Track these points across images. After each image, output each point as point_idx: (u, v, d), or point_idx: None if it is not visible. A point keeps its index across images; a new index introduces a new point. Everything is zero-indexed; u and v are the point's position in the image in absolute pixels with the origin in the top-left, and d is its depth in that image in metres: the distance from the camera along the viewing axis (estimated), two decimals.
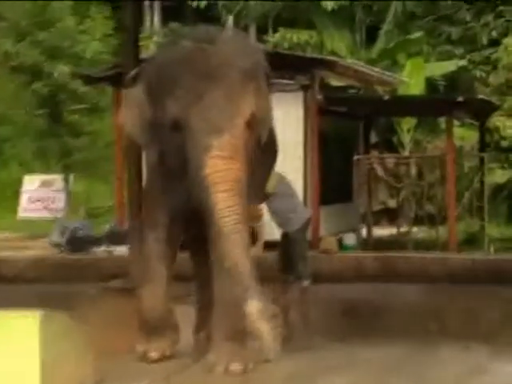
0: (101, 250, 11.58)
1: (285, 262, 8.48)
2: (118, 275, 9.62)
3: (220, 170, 4.87)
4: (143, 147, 5.90)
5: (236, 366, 5.41)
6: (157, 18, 26.97)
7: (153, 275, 5.84)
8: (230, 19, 25.23)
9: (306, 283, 8.27)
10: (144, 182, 6.71)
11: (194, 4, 24.00)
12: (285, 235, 8.44)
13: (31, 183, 15.80)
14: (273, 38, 21.14)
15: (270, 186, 8.14)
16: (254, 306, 4.73)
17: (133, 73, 5.73)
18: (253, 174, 5.40)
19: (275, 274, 8.56)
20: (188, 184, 5.17)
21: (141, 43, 11.56)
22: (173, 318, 6.01)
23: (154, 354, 5.81)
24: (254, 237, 8.39)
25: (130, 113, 5.56)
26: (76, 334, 4.90)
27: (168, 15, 26.83)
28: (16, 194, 16.78)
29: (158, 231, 5.74)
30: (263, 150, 5.64)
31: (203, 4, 23.67)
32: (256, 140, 5.34)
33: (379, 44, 19.76)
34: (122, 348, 6.24)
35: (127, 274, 9.04)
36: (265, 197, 8.18)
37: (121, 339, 6.55)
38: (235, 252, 4.82)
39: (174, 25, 25.87)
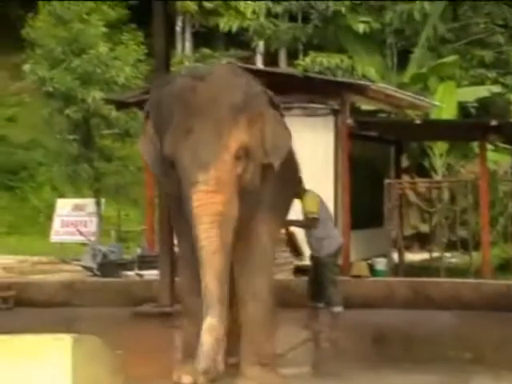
0: (132, 274, 11.64)
1: (315, 288, 8.46)
2: (149, 300, 9.68)
3: (203, 203, 5.07)
4: (159, 178, 6.02)
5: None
6: (188, 44, 27.20)
7: (190, 307, 5.89)
8: (261, 44, 25.45)
9: (337, 309, 8.25)
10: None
11: (225, 29, 24.14)
12: (316, 260, 8.43)
13: (64, 207, 15.96)
14: (303, 61, 21.17)
15: (313, 209, 8.17)
16: (207, 322, 4.89)
17: (146, 107, 5.87)
18: (277, 196, 5.83)
19: (305, 299, 8.58)
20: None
21: (172, 68, 11.69)
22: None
23: (186, 379, 5.83)
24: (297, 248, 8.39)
25: (146, 146, 5.77)
26: (107, 359, 4.92)
27: (199, 41, 27.06)
28: (49, 218, 16.98)
29: (187, 261, 5.84)
30: (284, 172, 5.83)
31: (234, 29, 23.77)
32: (261, 167, 5.50)
33: (411, 68, 19.74)
34: (151, 373, 6.28)
35: (157, 299, 9.09)
36: (311, 222, 8.20)
37: (150, 364, 6.58)
38: (207, 276, 5.03)
39: (205, 50, 26.11)
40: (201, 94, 5.26)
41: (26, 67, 16.38)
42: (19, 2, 25.48)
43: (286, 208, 6.72)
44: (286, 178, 6.18)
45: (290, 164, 6.38)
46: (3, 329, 5.51)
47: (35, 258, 15.51)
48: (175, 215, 6.07)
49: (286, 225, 8.34)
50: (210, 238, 5.05)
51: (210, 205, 5.08)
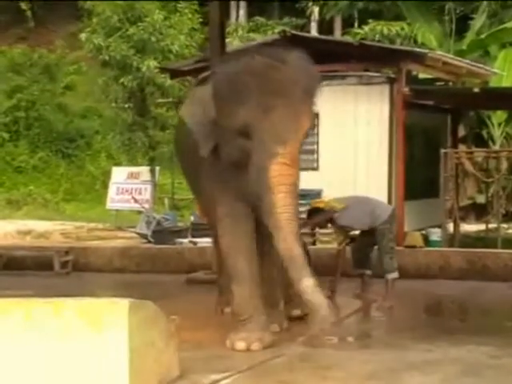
0: (185, 241, 11.76)
1: (361, 255, 8.42)
2: (202, 266, 9.78)
3: (282, 174, 5.60)
4: (198, 141, 6.24)
5: (275, 327, 6.34)
6: (242, 12, 27.08)
7: (240, 269, 6.22)
8: (316, 12, 25.22)
9: (392, 276, 8.20)
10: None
11: None
12: (368, 231, 8.35)
13: (119, 175, 16.12)
14: (362, 30, 20.93)
15: (336, 204, 8.11)
16: (309, 282, 5.46)
17: (204, 75, 6.22)
18: None
19: (351, 267, 8.53)
20: (242, 178, 5.85)
21: (226, 37, 11.68)
22: (261, 313, 6.19)
23: (239, 345, 5.95)
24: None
25: (193, 108, 6.25)
26: (162, 323, 4.99)
27: (253, 9, 26.92)
28: (104, 186, 17.19)
29: (235, 221, 6.25)
30: None
31: None
32: None
33: (470, 34, 19.33)
34: (204, 339, 6.36)
35: (210, 266, 9.18)
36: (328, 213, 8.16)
37: (204, 330, 6.67)
38: (289, 240, 5.58)
39: (259, 19, 25.97)
40: (283, 75, 5.75)
41: (83, 36, 16.48)
42: None
43: None
44: None
45: None
46: (61, 292, 5.64)
47: (91, 225, 15.74)
48: (212, 178, 6.38)
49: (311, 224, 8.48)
50: (286, 205, 5.58)
51: (286, 176, 5.62)
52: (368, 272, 8.34)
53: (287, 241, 5.57)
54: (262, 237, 6.26)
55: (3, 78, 22.84)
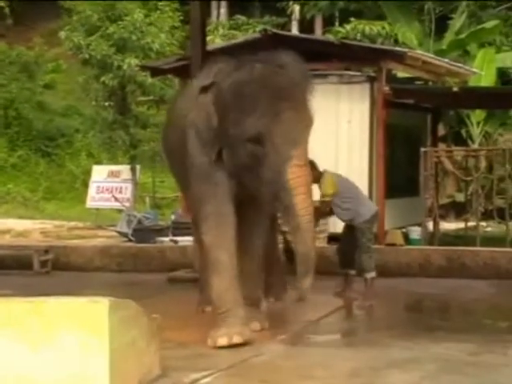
0: (166, 240, 11.72)
1: (346, 255, 8.43)
2: (183, 265, 9.75)
3: (299, 176, 5.80)
4: (199, 146, 6.42)
5: (256, 326, 6.36)
6: (223, 11, 27.05)
7: (221, 262, 6.29)
8: (297, 10, 25.23)
9: (370, 275, 8.22)
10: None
11: None
12: (350, 227, 8.38)
13: (99, 173, 16.07)
14: (343, 28, 20.97)
15: (328, 191, 8.12)
16: (308, 279, 5.86)
17: (206, 83, 6.31)
18: None
19: (338, 266, 8.57)
20: (247, 180, 6.10)
21: (207, 36, 11.66)
22: (240, 306, 6.22)
23: (221, 341, 5.97)
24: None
25: (197, 114, 6.33)
26: (143, 322, 4.97)
27: (234, 8, 26.90)
28: (85, 184, 17.12)
29: (220, 219, 6.35)
30: None
31: None
32: None
33: (449, 34, 19.42)
34: (185, 337, 6.33)
35: (191, 265, 9.15)
36: (324, 206, 8.17)
37: (185, 328, 6.64)
38: (309, 243, 5.89)
39: (240, 17, 25.95)
40: (285, 79, 5.95)
41: (62, 34, 16.41)
42: None
43: None
44: None
45: None
46: (41, 291, 5.60)
47: (72, 224, 15.68)
48: (201, 179, 6.47)
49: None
50: (306, 207, 5.81)
51: (303, 177, 5.83)
52: (352, 272, 8.36)
53: (307, 243, 5.88)
54: (244, 236, 6.37)
55: None
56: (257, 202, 6.34)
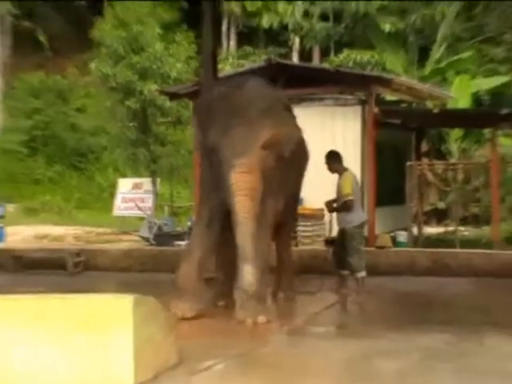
0: (183, 244, 11.68)
1: (340, 257, 8.37)
2: None
3: (239, 181, 6.04)
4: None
5: (263, 319, 6.30)
6: (232, 42, 27.13)
7: (188, 256, 6.82)
8: (297, 42, 25.28)
9: (360, 275, 8.18)
10: None
11: (266, 26, 23.97)
12: (343, 231, 8.33)
13: (124, 185, 16.09)
14: (338, 58, 21.04)
15: (347, 191, 8.07)
16: (248, 268, 6.08)
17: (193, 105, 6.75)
18: (286, 177, 6.83)
19: (332, 267, 8.53)
20: (221, 189, 6.33)
21: (219, 64, 11.65)
22: (197, 288, 6.71)
23: (177, 313, 6.33)
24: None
25: (194, 134, 7.00)
26: (162, 316, 4.95)
27: (242, 39, 26.97)
28: (111, 195, 17.12)
29: (201, 224, 6.84)
30: (293, 159, 6.80)
31: (274, 26, 23.62)
32: (278, 154, 6.38)
33: (430, 63, 19.53)
34: (200, 330, 6.30)
35: None
36: (345, 206, 8.13)
37: (199, 322, 6.60)
38: (244, 236, 6.11)
39: (247, 48, 26.00)
40: (238, 99, 6.20)
41: (93, 64, 16.49)
42: (88, 8, 25.69)
43: (295, 185, 7.60)
44: (294, 164, 7.10)
45: (299, 153, 7.24)
46: (74, 289, 5.58)
47: (100, 230, 15.67)
48: (203, 187, 7.05)
49: (327, 205, 8.44)
50: (244, 207, 6.04)
51: (243, 182, 6.02)
52: (346, 272, 8.30)
53: (242, 237, 6.09)
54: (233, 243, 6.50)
55: (23, 101, 22.79)
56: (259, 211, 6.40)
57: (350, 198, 8.08)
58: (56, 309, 4.62)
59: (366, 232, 9.19)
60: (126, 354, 4.40)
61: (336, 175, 8.29)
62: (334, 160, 8.25)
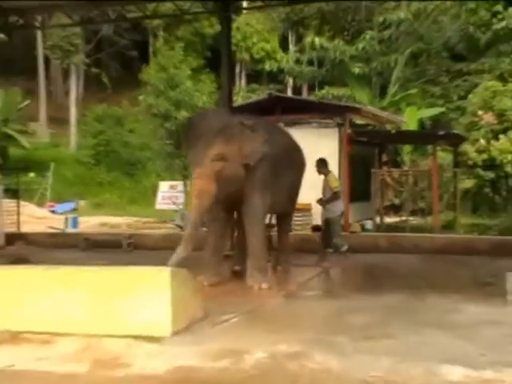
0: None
1: (326, 239, 8.42)
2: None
3: (194, 184, 6.09)
4: None
5: (265, 285, 6.33)
6: (243, 81, 27.13)
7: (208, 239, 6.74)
8: (290, 81, 25.27)
9: (344, 248, 8.31)
10: None
11: (268, 69, 24.12)
12: (328, 219, 8.45)
13: (163, 187, 16.06)
14: (320, 92, 21.13)
15: (336, 184, 8.28)
16: (179, 250, 5.89)
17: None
18: (282, 177, 6.71)
19: (319, 247, 8.54)
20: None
21: (232, 97, 11.65)
22: (216, 264, 6.66)
23: (203, 280, 6.34)
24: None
25: None
26: (191, 283, 4.97)
27: (250, 79, 27.01)
28: (154, 194, 17.13)
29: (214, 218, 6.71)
30: (289, 163, 6.85)
31: (274, 70, 23.78)
32: (240, 164, 6.20)
33: (388, 97, 19.60)
34: (219, 292, 6.30)
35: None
36: (336, 195, 8.25)
37: (220, 286, 6.62)
38: (188, 226, 6.08)
39: (253, 85, 26.01)
40: (201, 125, 6.23)
41: (141, 97, 16.52)
42: (138, 57, 25.76)
43: (294, 183, 7.33)
44: (292, 166, 7.05)
45: (291, 159, 7.13)
46: (127, 263, 5.58)
47: (145, 219, 15.69)
48: None
49: (319, 202, 8.51)
50: (193, 204, 6.04)
51: (196, 186, 6.04)
52: (330, 250, 8.38)
53: (188, 224, 6.09)
54: (243, 228, 6.57)
55: (91, 126, 22.86)
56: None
57: (338, 189, 8.28)
58: (115, 276, 4.65)
59: (342, 221, 9.21)
60: (165, 310, 4.42)
61: (321, 177, 8.45)
62: (322, 165, 8.39)
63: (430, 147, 13.91)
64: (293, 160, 7.07)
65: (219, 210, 6.54)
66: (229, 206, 6.52)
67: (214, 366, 3.82)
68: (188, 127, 6.51)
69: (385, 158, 15.71)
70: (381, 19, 20.62)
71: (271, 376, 3.68)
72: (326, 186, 8.42)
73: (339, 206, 8.53)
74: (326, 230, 8.45)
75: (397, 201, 14.72)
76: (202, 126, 6.20)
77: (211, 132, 6.06)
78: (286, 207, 7.31)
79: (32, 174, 20.08)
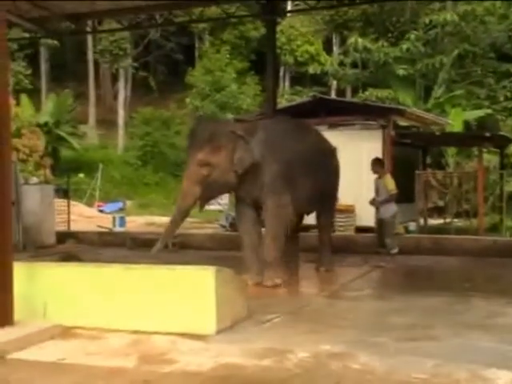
0: None
1: (379, 239, 8.45)
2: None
3: (181, 187, 6.54)
4: None
5: (279, 281, 6.46)
6: (287, 83, 27.07)
7: (244, 241, 6.88)
8: (334, 83, 25.08)
9: (394, 251, 8.37)
10: None
11: (312, 72, 23.98)
12: (381, 220, 8.43)
13: None
14: (364, 95, 20.94)
15: (393, 187, 8.26)
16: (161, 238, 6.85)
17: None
18: (309, 179, 6.79)
19: (374, 247, 8.51)
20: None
21: (277, 99, 11.70)
22: (257, 262, 6.70)
23: (247, 280, 6.33)
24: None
25: None
26: (236, 282, 5.01)
27: (294, 82, 26.92)
28: None
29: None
30: (323, 166, 7.05)
31: (318, 72, 23.61)
32: (231, 172, 6.42)
33: (432, 99, 19.27)
34: (262, 292, 6.32)
35: None
36: (392, 197, 8.24)
37: (261, 288, 6.63)
38: (171, 219, 6.77)
39: (297, 87, 25.93)
40: (195, 133, 6.50)
41: (187, 100, 16.73)
42: (184, 61, 26.08)
43: (327, 185, 7.32)
44: (326, 168, 7.17)
45: (318, 161, 7.08)
46: (173, 262, 5.68)
47: (191, 219, 15.76)
48: None
49: (372, 202, 8.58)
50: (178, 201, 6.75)
51: (182, 187, 6.52)
52: (383, 250, 8.40)
53: (171, 219, 6.76)
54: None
55: (138, 128, 23.27)
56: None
57: (395, 191, 8.24)
58: (162, 275, 4.73)
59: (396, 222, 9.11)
60: (210, 308, 4.47)
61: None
62: (378, 164, 8.44)
63: (475, 149, 13.62)
64: (320, 162, 7.10)
65: (249, 210, 6.75)
66: (255, 207, 6.76)
67: (258, 364, 3.85)
68: (188, 133, 6.85)
69: (429, 160, 15.44)
70: (426, 20, 20.29)
71: (315, 375, 3.69)
72: (381, 186, 8.38)
73: (393, 208, 8.51)
74: (380, 230, 8.46)
75: (441, 203, 14.43)
76: (195, 132, 6.53)
77: (202, 139, 6.36)
78: (321, 207, 7.31)
79: (82, 175, 20.62)
